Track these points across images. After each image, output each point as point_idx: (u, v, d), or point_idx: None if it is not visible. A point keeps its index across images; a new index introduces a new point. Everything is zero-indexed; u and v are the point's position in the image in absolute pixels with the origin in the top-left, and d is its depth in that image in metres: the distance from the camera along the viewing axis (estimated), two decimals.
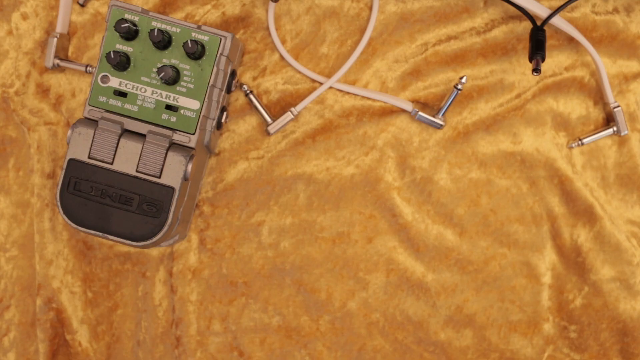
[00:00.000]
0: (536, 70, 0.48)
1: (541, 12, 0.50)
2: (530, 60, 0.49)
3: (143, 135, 0.47)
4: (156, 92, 0.47)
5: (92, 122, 0.47)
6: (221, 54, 0.47)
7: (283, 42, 0.52)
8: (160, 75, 0.45)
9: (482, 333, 0.53)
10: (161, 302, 0.53)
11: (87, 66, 0.51)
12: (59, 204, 0.46)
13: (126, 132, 0.47)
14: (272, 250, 0.53)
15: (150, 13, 0.47)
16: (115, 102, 0.47)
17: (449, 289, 0.53)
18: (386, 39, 0.52)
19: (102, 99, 0.47)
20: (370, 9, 0.52)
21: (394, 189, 0.52)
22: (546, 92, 0.52)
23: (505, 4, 0.52)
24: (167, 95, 0.47)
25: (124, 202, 0.46)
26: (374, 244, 0.53)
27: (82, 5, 0.52)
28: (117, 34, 0.46)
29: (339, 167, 0.52)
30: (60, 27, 0.51)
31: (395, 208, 0.52)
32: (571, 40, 0.52)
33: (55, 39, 0.50)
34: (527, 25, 0.52)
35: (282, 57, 0.52)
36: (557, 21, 0.51)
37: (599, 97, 0.52)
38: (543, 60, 0.48)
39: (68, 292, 0.53)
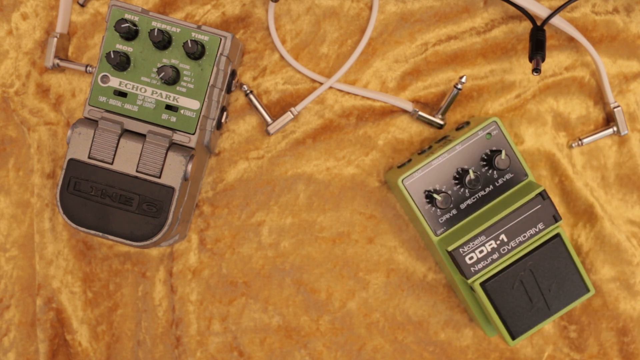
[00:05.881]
0: (536, 70, 0.48)
1: (541, 12, 0.50)
2: (530, 60, 0.49)
3: (143, 135, 0.47)
4: (156, 92, 0.47)
5: (92, 122, 0.47)
6: (221, 54, 0.47)
7: (283, 42, 0.52)
8: (160, 75, 0.45)
9: (482, 333, 0.53)
10: (161, 302, 0.53)
11: (87, 66, 0.51)
12: (59, 204, 0.46)
13: (126, 132, 0.47)
14: (272, 250, 0.53)
15: (150, 13, 0.47)
16: (115, 102, 0.47)
17: (449, 289, 0.53)
18: (386, 39, 0.52)
19: (102, 99, 0.47)
20: (370, 9, 0.52)
21: None
22: (546, 92, 0.52)
23: (505, 4, 0.52)
24: (167, 95, 0.47)
25: (124, 202, 0.46)
26: (374, 244, 0.53)
27: (82, 5, 0.52)
28: (117, 34, 0.46)
29: (339, 167, 0.52)
30: (60, 27, 0.51)
31: (395, 208, 0.52)
32: (571, 40, 0.52)
33: (55, 39, 0.50)
34: (527, 25, 0.52)
35: (282, 57, 0.52)
36: (557, 21, 0.51)
37: (599, 97, 0.52)
38: (543, 60, 0.48)
39: (68, 292, 0.53)
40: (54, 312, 0.53)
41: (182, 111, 0.47)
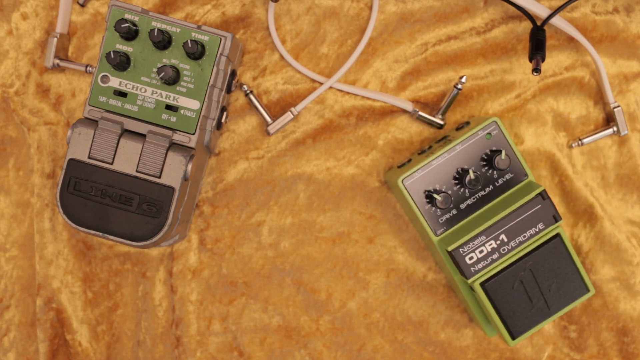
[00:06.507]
0: (536, 70, 0.48)
1: (541, 12, 0.50)
2: (530, 60, 0.49)
3: (143, 135, 0.47)
4: (156, 92, 0.47)
5: (92, 122, 0.47)
6: (221, 54, 0.47)
7: (283, 42, 0.52)
8: (160, 75, 0.45)
9: (482, 333, 0.53)
10: (161, 302, 0.53)
11: (87, 66, 0.51)
12: (59, 204, 0.46)
13: (126, 132, 0.47)
14: (272, 250, 0.53)
15: (150, 13, 0.47)
16: (115, 102, 0.47)
17: (449, 289, 0.53)
18: (386, 39, 0.52)
19: (102, 99, 0.47)
20: (370, 9, 0.52)
21: None
22: (546, 91, 0.52)
23: (505, 4, 0.52)
24: (167, 95, 0.47)
25: (124, 202, 0.46)
26: (374, 244, 0.53)
27: (82, 5, 0.52)
28: (117, 34, 0.46)
29: (339, 167, 0.52)
30: (60, 27, 0.51)
31: (395, 208, 0.52)
32: (571, 40, 0.52)
33: (55, 39, 0.50)
34: (527, 25, 0.52)
35: (282, 57, 0.52)
36: (557, 21, 0.51)
37: (599, 97, 0.52)
38: (543, 60, 0.48)
39: (68, 292, 0.53)
40: (54, 312, 0.53)
41: (182, 111, 0.47)
